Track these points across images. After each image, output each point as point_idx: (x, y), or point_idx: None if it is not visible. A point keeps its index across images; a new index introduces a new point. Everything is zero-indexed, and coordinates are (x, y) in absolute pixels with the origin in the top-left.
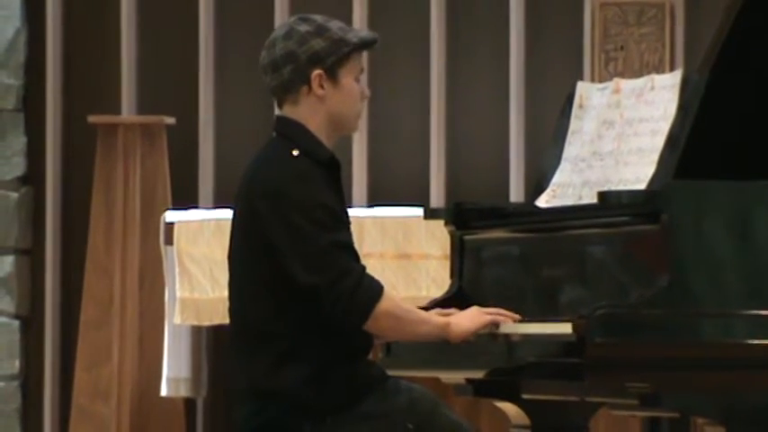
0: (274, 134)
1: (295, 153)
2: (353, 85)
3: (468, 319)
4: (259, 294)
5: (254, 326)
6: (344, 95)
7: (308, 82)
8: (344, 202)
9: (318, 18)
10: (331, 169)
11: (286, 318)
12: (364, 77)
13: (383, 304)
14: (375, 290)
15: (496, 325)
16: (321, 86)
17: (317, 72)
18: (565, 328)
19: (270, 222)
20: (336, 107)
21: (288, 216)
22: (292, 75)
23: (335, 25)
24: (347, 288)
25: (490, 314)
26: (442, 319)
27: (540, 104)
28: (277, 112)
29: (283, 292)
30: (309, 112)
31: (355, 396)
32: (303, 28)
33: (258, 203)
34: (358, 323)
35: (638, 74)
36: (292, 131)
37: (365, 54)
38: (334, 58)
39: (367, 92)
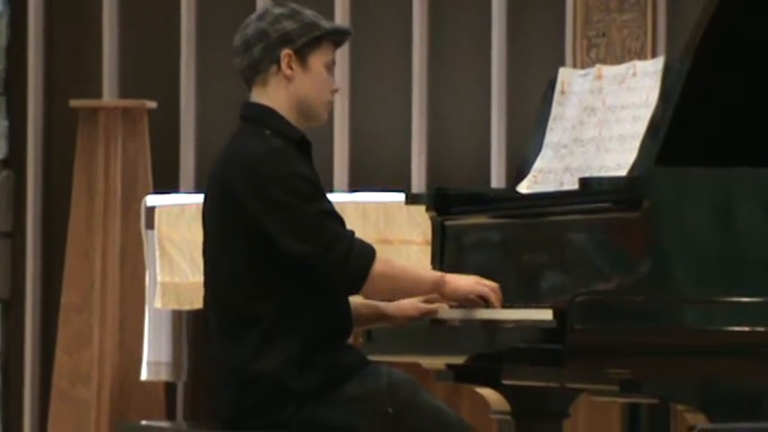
0: (242, 121)
1: (267, 132)
2: (323, 71)
3: (464, 281)
4: (239, 277)
5: (234, 310)
6: (312, 80)
7: (277, 61)
8: (319, 179)
9: (293, 4)
10: (303, 148)
11: (266, 301)
12: (346, 63)
13: (378, 267)
14: (368, 253)
15: (486, 302)
16: (290, 67)
17: (286, 51)
18: (545, 315)
19: (251, 201)
20: (303, 91)
21: (269, 192)
22: (262, 53)
23: (310, 12)
24: (340, 254)
25: (486, 287)
26: (436, 273)
27: (522, 90)
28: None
29: (263, 274)
30: (277, 93)
31: (336, 380)
32: (277, 10)
33: (237, 184)
34: (355, 288)
35: (620, 60)
36: (261, 114)
37: (347, 43)
38: (305, 39)
39: (336, 86)
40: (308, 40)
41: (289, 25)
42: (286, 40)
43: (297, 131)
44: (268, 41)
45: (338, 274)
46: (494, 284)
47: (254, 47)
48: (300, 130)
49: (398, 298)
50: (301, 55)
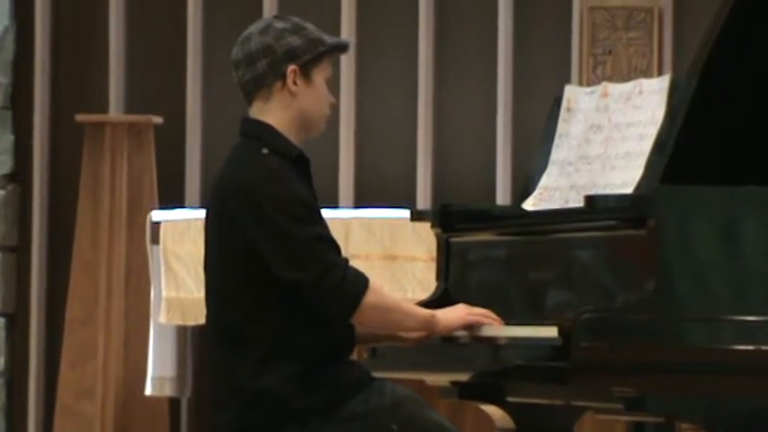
0: (241, 137)
1: (264, 151)
2: (324, 86)
3: (454, 315)
4: (239, 296)
5: (235, 328)
6: (316, 94)
7: (282, 77)
8: (316, 197)
9: (295, 18)
10: (301, 165)
11: (267, 319)
12: (352, 78)
13: (370, 297)
14: (361, 282)
15: (479, 326)
16: (294, 83)
17: (292, 67)
18: (550, 332)
19: (247, 222)
20: (307, 105)
21: (264, 214)
22: (267, 68)
23: (312, 26)
24: (333, 282)
25: (476, 315)
26: (427, 312)
27: (528, 107)
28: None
29: (263, 293)
30: (280, 108)
31: (340, 397)
32: (280, 25)
33: (232, 205)
34: (345, 316)
35: (626, 78)
36: (259, 131)
37: (353, 56)
38: (310, 55)
39: (332, 99)
40: (313, 57)
41: (294, 41)
42: (292, 56)
43: (295, 149)
44: (273, 57)
45: (329, 302)
46: (483, 311)
47: (258, 61)
48: (299, 148)
49: (389, 331)
50: (306, 70)
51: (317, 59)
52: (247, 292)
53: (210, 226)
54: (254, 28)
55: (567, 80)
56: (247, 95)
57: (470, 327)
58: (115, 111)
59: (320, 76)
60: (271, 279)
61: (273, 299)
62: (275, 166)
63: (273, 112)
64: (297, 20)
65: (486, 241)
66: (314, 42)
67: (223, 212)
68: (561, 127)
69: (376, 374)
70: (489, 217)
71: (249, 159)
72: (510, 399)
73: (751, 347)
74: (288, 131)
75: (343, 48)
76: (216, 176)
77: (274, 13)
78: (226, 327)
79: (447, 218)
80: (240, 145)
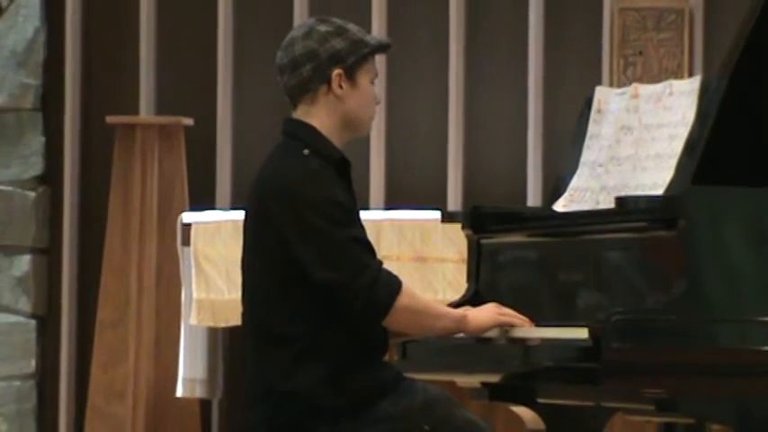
0: (283, 136)
1: (305, 152)
2: (369, 86)
3: (485, 315)
4: (273, 296)
5: (268, 328)
6: (361, 96)
7: (327, 81)
8: (356, 201)
9: (337, 20)
10: (341, 168)
11: (301, 319)
12: (383, 80)
13: (402, 299)
14: (394, 285)
15: (510, 327)
16: (340, 86)
17: (337, 71)
18: (581, 333)
19: (283, 222)
20: (353, 107)
21: (301, 214)
22: (312, 73)
23: (354, 27)
24: (366, 284)
25: (507, 315)
26: (458, 312)
27: (559, 109)
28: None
29: (298, 293)
30: (325, 111)
31: (371, 397)
32: (323, 28)
33: (270, 204)
34: (377, 319)
35: (656, 79)
36: (301, 132)
37: (384, 57)
38: (354, 58)
39: (378, 98)
40: (357, 59)
41: (338, 44)
42: (336, 59)
43: (336, 152)
44: (318, 61)
45: (361, 303)
46: (513, 312)
47: (302, 66)
48: (340, 151)
49: (420, 333)
50: (350, 73)
51: (361, 61)
52: (283, 292)
53: (249, 225)
54: (297, 32)
55: (598, 81)
56: (292, 100)
57: (501, 327)
58: (146, 112)
59: (365, 77)
60: (307, 279)
61: (309, 299)
62: (315, 167)
63: (319, 116)
64: (339, 21)
65: (517, 243)
66: (357, 44)
67: (261, 212)
68: (592, 128)
69: (407, 376)
70: (520, 218)
71: (289, 159)
72: (540, 400)
73: None
74: (331, 134)
75: (385, 48)
76: (255, 175)
77: (305, 15)
78: (261, 326)
79: (478, 219)
80: (281, 144)
